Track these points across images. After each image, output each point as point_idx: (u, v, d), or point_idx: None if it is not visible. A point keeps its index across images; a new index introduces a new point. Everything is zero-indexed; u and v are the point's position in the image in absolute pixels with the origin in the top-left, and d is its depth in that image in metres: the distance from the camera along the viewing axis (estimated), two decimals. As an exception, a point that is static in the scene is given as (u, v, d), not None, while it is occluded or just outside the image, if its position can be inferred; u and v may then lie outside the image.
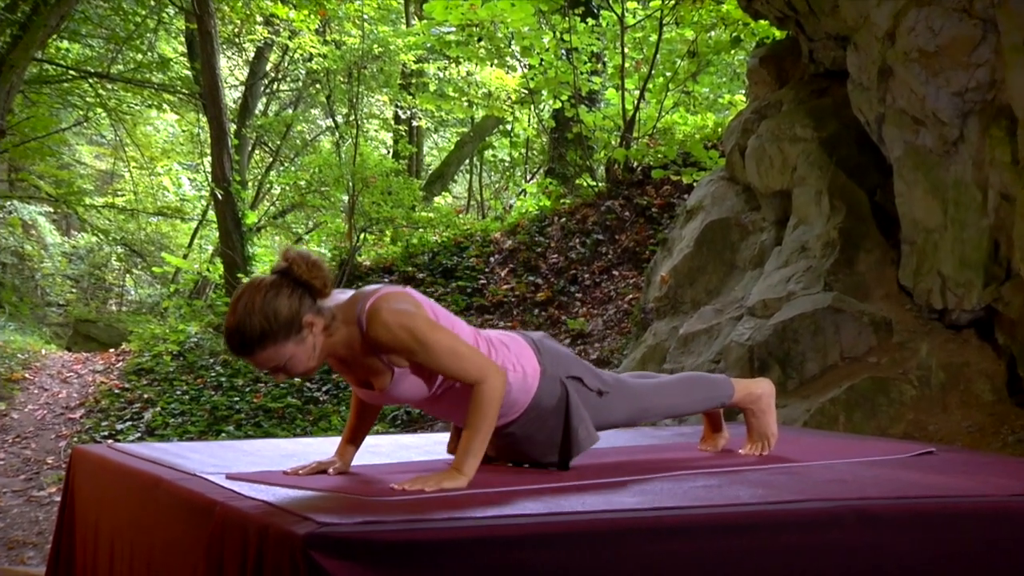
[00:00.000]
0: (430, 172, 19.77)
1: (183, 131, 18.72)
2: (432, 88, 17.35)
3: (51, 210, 18.80)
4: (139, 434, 8.90)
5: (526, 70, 13.39)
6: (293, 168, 18.02)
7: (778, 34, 9.18)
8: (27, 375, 10.88)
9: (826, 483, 2.79)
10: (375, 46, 15.23)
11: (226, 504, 2.36)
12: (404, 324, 2.64)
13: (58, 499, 5.99)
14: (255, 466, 3.10)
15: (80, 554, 3.31)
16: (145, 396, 9.83)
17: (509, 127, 18.01)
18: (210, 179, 13.91)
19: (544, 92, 13.05)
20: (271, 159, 19.50)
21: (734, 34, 11.36)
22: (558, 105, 12.84)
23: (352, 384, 2.89)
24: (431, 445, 3.64)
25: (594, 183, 11.83)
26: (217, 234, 15.35)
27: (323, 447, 3.56)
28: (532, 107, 15.03)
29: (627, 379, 3.25)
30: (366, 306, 2.66)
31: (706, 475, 2.94)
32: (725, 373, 6.28)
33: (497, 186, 21.01)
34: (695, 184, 9.26)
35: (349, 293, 2.78)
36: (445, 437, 3.43)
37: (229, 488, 2.58)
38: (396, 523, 2.12)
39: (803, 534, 2.34)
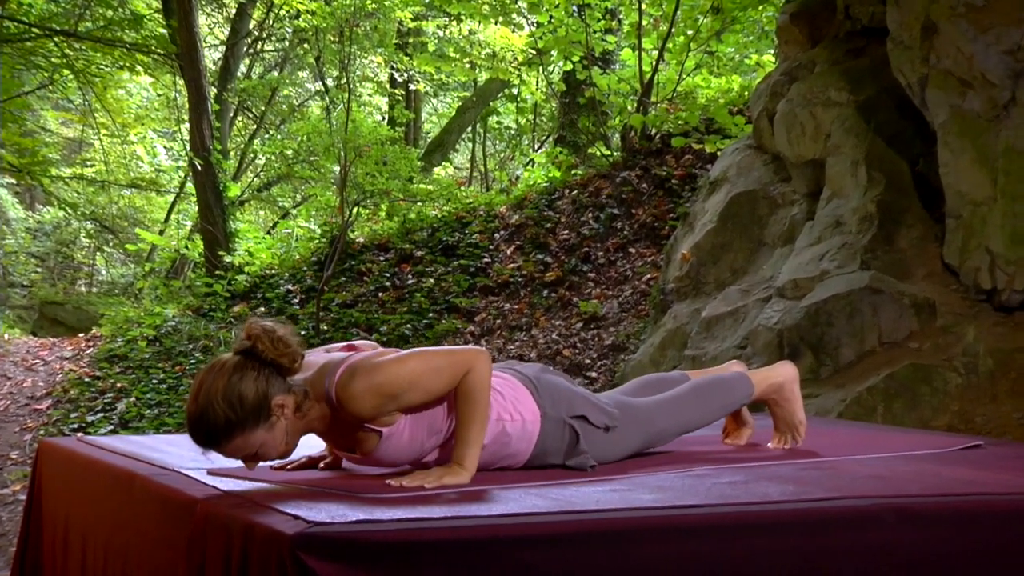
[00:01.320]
0: (429, 141, 19.75)
1: (158, 95, 18.71)
2: (431, 48, 17.31)
3: (13, 182, 18.82)
4: (112, 426, 8.93)
5: (534, 28, 13.35)
6: (279, 136, 18.01)
7: (811, -12, 9.13)
8: (-11, 362, 10.91)
9: (862, 479, 2.79)
10: (369, 2, 15.19)
11: (207, 502, 2.37)
12: (375, 385, 2.61)
13: (23, 497, 6.00)
14: (238, 460, 3.11)
15: (48, 557, 3.32)
16: (118, 385, 9.85)
17: (515, 91, 17.97)
18: (188, 148, 13.90)
19: (554, 52, 13.02)
20: (255, 126, 19.49)
21: (762, -12, 11.32)
22: (569, 67, 12.81)
23: (333, 449, 2.88)
24: (431, 438, 3.65)
25: (608, 152, 11.80)
26: (196, 208, 15.35)
27: (313, 439, 3.57)
28: (540, 69, 14.99)
29: (633, 402, 3.24)
30: (334, 381, 2.62)
31: (730, 470, 2.95)
32: (752, 360, 6.29)
33: (502, 156, 20.98)
34: (719, 153, 9.24)
35: (318, 359, 2.73)
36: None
37: (211, 484, 2.58)
38: (393, 522, 2.13)
39: (837, 535, 2.34)
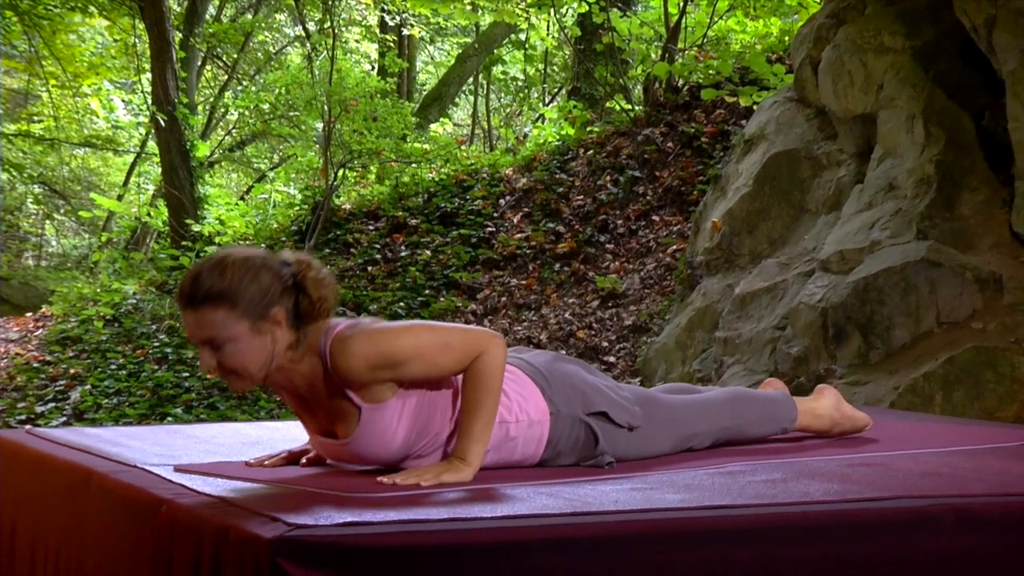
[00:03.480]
0: (425, 93, 19.71)
1: (115, 41, 18.65)
2: (427, -13, 17.25)
3: (-50, 140, 18.81)
4: (64, 418, 8.95)
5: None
6: (254, 88, 17.96)
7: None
8: (-75, 346, 10.94)
9: (917, 477, 2.80)
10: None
11: (174, 502, 2.38)
12: (377, 348, 2.67)
13: (-34, 498, 6.01)
14: (210, 456, 3.12)
15: (-6, 564, 3.34)
16: (71, 371, 9.88)
17: (523, 37, 17.92)
18: (150, 102, 13.89)
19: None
20: (226, 77, 19.45)
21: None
22: (584, 8, 12.77)
23: (311, 436, 2.91)
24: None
25: (629, 107, 11.78)
26: (159, 170, 15.34)
27: (293, 432, 3.58)
28: (552, 11, 14.94)
29: (661, 398, 3.25)
30: (332, 335, 2.69)
31: (767, 467, 2.96)
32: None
33: (508, 111, 20.95)
34: (755, 107, 9.22)
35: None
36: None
37: (178, 482, 2.60)
38: (385, 525, 2.14)
39: (888, 539, 2.35)
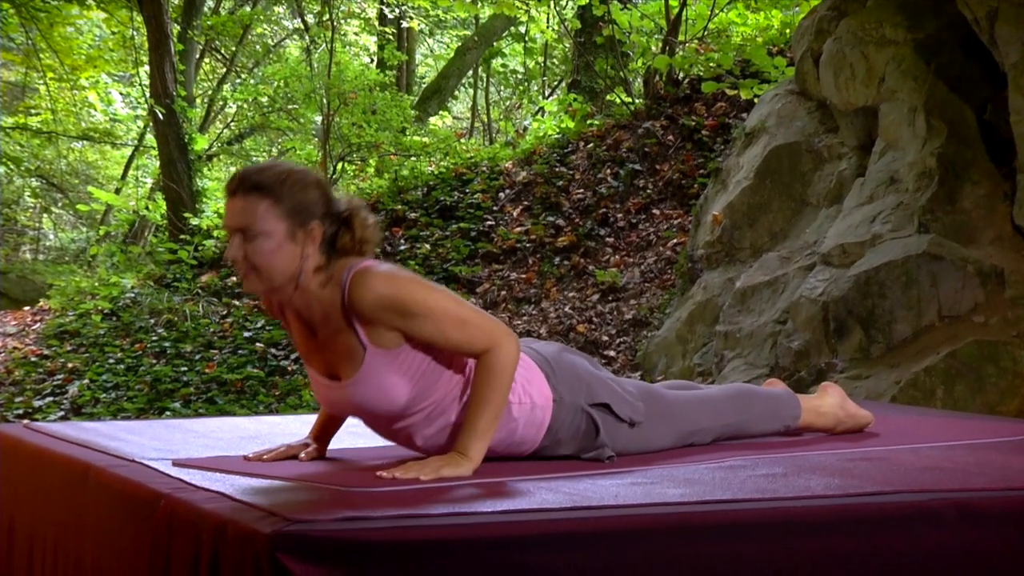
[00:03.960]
0: (424, 86, 19.70)
1: (113, 33, 18.64)
2: (426, -21, 17.24)
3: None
4: (62, 412, 8.96)
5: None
6: (252, 81, 17.97)
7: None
8: (-77, 340, 10.94)
9: (919, 471, 2.80)
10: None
11: (173, 496, 2.38)
12: (395, 288, 2.70)
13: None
14: (208, 450, 3.12)
15: (-8, 559, 3.34)
16: (69, 365, 9.88)
17: (523, 29, 17.91)
18: (148, 94, 13.88)
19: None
20: (224, 70, 19.44)
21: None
22: (584, 1, 12.77)
23: (314, 378, 2.91)
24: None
25: (629, 99, 11.78)
26: (157, 164, 15.33)
27: (292, 427, 3.59)
28: (552, 3, 14.94)
29: (664, 393, 3.26)
30: (355, 267, 2.73)
31: (768, 461, 2.96)
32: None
33: (508, 104, 20.95)
34: (756, 100, 9.22)
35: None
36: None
37: (176, 477, 2.60)
38: (384, 520, 2.14)
39: (889, 534, 2.35)
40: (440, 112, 18.63)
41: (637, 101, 11.65)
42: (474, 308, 2.79)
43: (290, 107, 14.76)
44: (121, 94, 19.20)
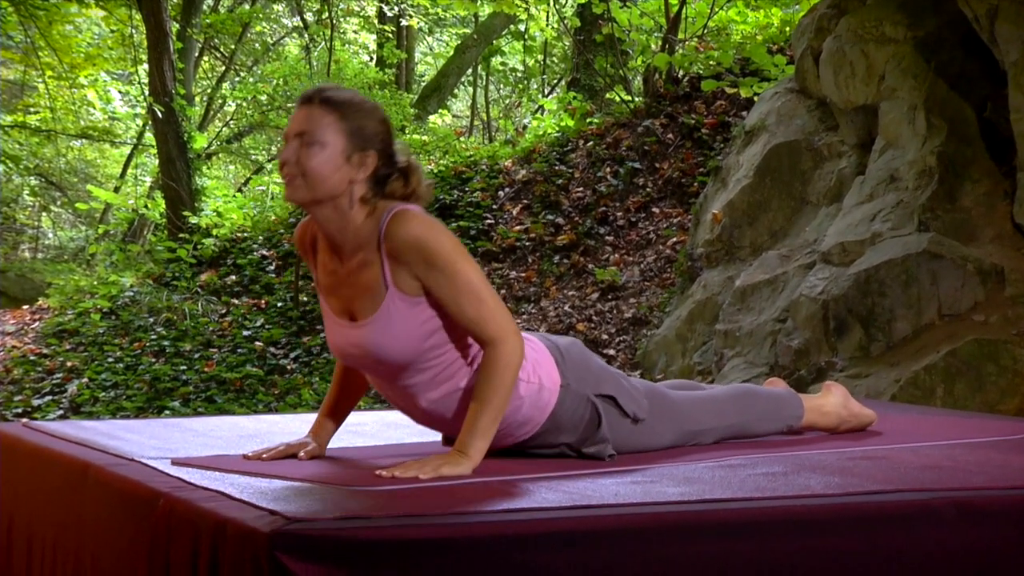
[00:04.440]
0: (423, 85, 19.69)
1: (112, 32, 18.64)
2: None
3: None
4: (62, 411, 8.96)
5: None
6: (252, 79, 17.96)
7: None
8: (-79, 338, 10.94)
9: (918, 470, 2.80)
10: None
11: (172, 496, 2.38)
12: (432, 235, 2.74)
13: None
14: (207, 449, 3.12)
15: (-9, 558, 3.34)
16: (68, 364, 9.88)
17: (522, 27, 17.91)
18: (147, 93, 13.88)
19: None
20: (223, 68, 19.44)
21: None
22: (584, -1, 12.77)
23: (330, 320, 2.93)
24: (426, 424, 3.66)
25: (629, 98, 11.77)
26: (156, 162, 15.33)
27: (292, 426, 3.58)
28: (551, 1, 14.94)
29: (668, 393, 3.26)
30: (399, 207, 2.79)
31: (767, 460, 2.96)
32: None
33: (507, 102, 20.95)
34: (756, 98, 9.22)
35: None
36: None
37: (176, 476, 2.60)
38: (384, 519, 2.14)
39: (889, 533, 2.35)
40: (439, 110, 18.62)
41: (637, 99, 11.65)
42: (496, 295, 2.80)
43: (289, 105, 14.73)
44: (120, 92, 19.19)
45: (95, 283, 11.83)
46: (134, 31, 16.09)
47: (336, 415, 3.07)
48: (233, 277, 11.22)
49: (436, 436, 3.19)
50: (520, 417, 2.93)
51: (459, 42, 19.57)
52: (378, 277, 2.78)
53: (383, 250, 2.76)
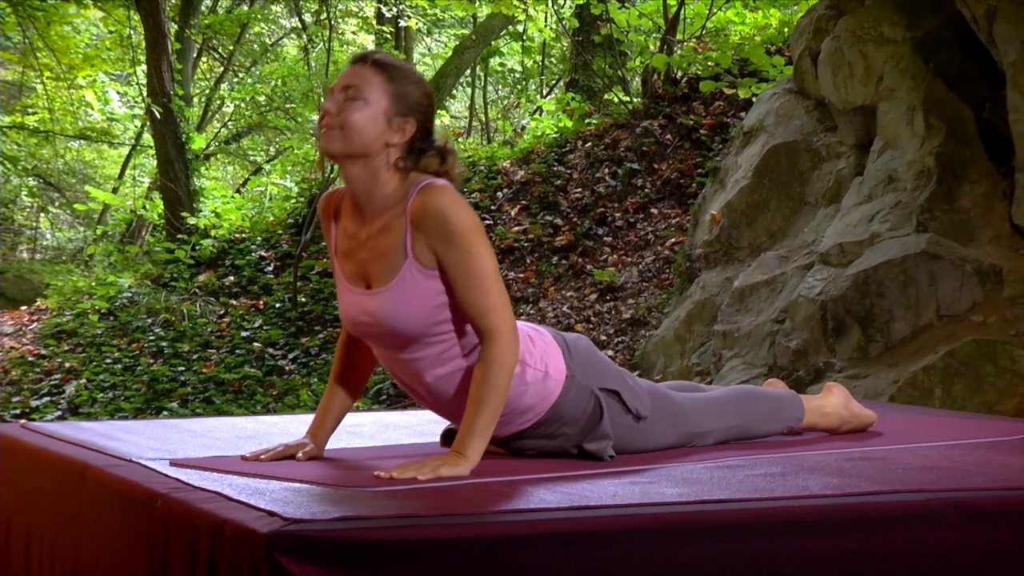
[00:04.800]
0: (421, 85, 19.64)
1: (110, 32, 18.63)
2: (424, -22, 17.22)
3: (-57, 132, 18.78)
4: (60, 412, 8.96)
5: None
6: (250, 80, 17.96)
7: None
8: (-81, 339, 10.93)
9: (917, 471, 2.80)
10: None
11: (170, 496, 2.38)
12: (458, 212, 2.77)
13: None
14: (205, 450, 3.12)
15: (-11, 559, 3.33)
16: (67, 365, 9.88)
17: (521, 28, 17.91)
18: (145, 94, 13.87)
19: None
20: (222, 69, 19.43)
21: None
22: (582, 0, 12.77)
23: (342, 288, 2.94)
24: (424, 424, 3.66)
25: (628, 98, 11.77)
26: (155, 163, 15.33)
27: (290, 427, 3.58)
28: (550, 2, 14.94)
29: (670, 394, 3.27)
30: (430, 179, 2.83)
31: (766, 461, 2.96)
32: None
33: (506, 103, 20.94)
34: (754, 99, 9.22)
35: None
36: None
37: (173, 477, 2.59)
38: (382, 520, 2.14)
39: (888, 534, 2.35)
40: (438, 111, 18.61)
41: (635, 100, 11.65)
42: (504, 292, 2.81)
43: (288, 106, 14.76)
44: (118, 93, 19.18)
45: (93, 284, 11.84)
46: (132, 32, 16.08)
47: (336, 410, 3.05)
48: (231, 278, 11.22)
49: (435, 437, 3.19)
50: (524, 404, 2.93)
51: (457, 43, 19.56)
52: (398, 244, 2.80)
53: (408, 216, 2.78)
